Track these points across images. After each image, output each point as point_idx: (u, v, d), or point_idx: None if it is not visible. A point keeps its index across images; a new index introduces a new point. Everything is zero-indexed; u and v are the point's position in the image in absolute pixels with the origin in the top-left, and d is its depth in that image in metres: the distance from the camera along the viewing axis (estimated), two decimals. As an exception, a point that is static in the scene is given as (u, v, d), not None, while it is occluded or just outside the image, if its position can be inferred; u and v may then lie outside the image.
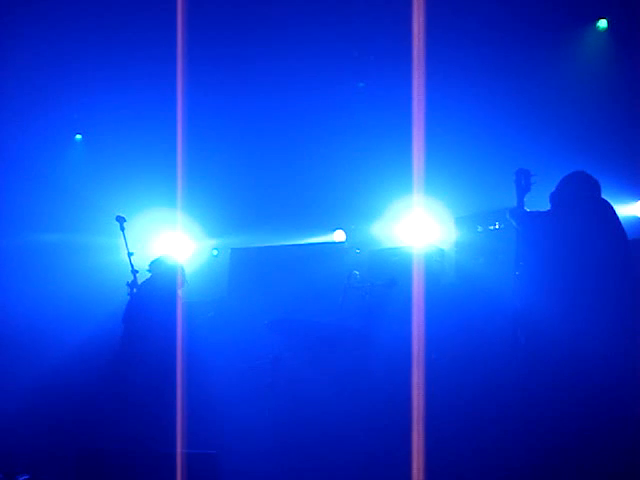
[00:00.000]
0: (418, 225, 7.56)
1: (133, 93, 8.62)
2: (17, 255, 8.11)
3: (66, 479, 4.80)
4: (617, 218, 4.75)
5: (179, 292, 6.20)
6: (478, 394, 5.14)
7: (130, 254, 6.27)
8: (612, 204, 4.81)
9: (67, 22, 7.73)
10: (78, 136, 9.35)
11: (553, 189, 4.95)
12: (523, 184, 4.87)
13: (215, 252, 8.70)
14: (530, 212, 4.91)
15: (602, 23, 7.65)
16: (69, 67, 8.19)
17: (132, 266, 6.26)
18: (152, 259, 6.36)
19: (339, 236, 8.34)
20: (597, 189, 4.88)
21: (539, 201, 5.03)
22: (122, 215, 6.42)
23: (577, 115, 7.39)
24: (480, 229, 6.86)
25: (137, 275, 6.22)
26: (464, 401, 5.15)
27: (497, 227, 6.74)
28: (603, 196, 4.86)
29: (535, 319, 4.59)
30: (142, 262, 6.40)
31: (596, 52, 7.63)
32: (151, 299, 6.03)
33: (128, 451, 4.61)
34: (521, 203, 4.89)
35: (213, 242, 8.79)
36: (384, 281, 5.93)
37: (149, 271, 6.24)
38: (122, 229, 6.33)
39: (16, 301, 7.67)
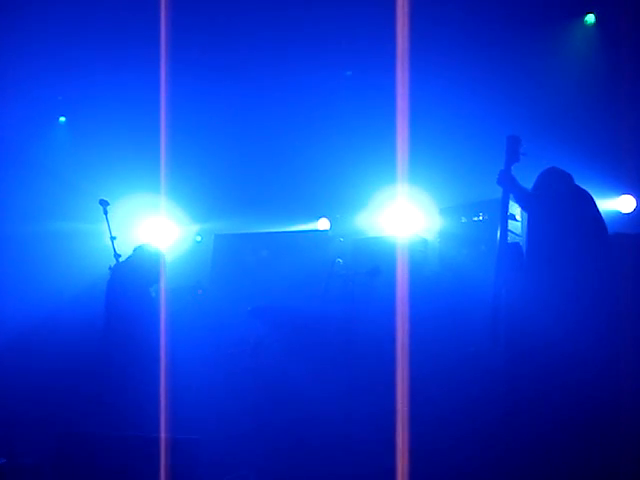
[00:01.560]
0: (402, 215, 7.58)
1: (118, 76, 8.52)
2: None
3: (44, 463, 4.79)
4: (595, 209, 4.80)
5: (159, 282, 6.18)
6: (461, 383, 5.18)
7: (113, 238, 6.25)
8: (591, 195, 4.86)
9: (50, 3, 7.62)
10: (62, 118, 9.24)
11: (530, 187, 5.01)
12: (513, 152, 4.87)
13: (199, 238, 8.67)
14: (519, 185, 4.89)
15: (590, 18, 7.68)
16: (53, 48, 8.07)
17: (115, 250, 6.24)
18: (135, 245, 6.31)
19: (323, 224, 8.34)
20: (571, 181, 4.94)
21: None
22: (105, 199, 6.39)
23: (563, 109, 7.43)
24: (464, 220, 6.89)
25: (120, 259, 6.20)
26: (448, 389, 5.19)
27: (481, 218, 6.78)
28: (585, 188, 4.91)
29: (515, 308, 4.63)
30: (125, 247, 6.36)
31: (584, 47, 7.66)
32: (129, 288, 5.98)
33: (109, 435, 4.61)
34: (508, 170, 4.89)
35: (197, 228, 8.76)
36: (368, 269, 5.95)
37: (131, 257, 6.20)
38: (105, 213, 6.30)
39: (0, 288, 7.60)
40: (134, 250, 6.22)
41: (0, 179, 8.33)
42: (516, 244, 4.86)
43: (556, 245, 4.66)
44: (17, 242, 7.98)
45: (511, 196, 4.92)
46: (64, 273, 7.53)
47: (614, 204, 7.25)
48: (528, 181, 5.07)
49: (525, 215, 5.14)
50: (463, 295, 5.92)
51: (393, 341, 4.88)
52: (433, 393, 5.13)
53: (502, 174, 4.90)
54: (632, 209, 7.32)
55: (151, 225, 8.36)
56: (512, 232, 5.07)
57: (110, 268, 6.17)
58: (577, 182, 5.02)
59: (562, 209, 4.74)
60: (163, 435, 4.48)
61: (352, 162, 8.01)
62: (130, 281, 5.98)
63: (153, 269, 6.10)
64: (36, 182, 8.42)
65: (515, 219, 5.15)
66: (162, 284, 6.05)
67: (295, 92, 8.35)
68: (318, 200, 8.39)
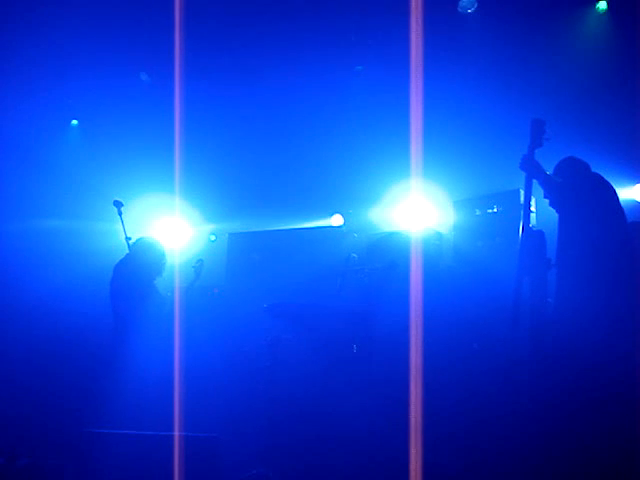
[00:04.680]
0: (416, 209, 7.56)
1: (129, 77, 8.57)
2: (14, 241, 8.07)
3: (67, 463, 4.82)
4: (617, 198, 4.75)
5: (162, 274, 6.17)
6: (477, 377, 5.15)
7: (128, 239, 6.26)
8: (612, 185, 4.81)
9: (62, 5, 7.66)
10: (74, 121, 9.28)
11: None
12: (537, 136, 4.71)
13: (213, 237, 8.68)
14: (543, 170, 4.77)
15: (602, 5, 7.61)
16: (64, 51, 8.11)
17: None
18: (135, 239, 6.28)
19: (337, 220, 8.34)
20: (590, 170, 4.89)
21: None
22: (119, 200, 6.41)
23: (576, 98, 7.37)
24: (478, 212, 6.86)
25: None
26: (463, 383, 5.16)
27: (495, 210, 6.75)
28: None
29: (538, 296, 4.58)
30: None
31: (596, 34, 7.59)
32: (132, 283, 5.97)
33: (127, 435, 4.63)
34: (532, 154, 4.72)
35: (211, 227, 8.78)
36: (383, 264, 5.93)
37: (130, 253, 6.17)
38: (120, 214, 6.32)
39: (15, 287, 7.64)
40: (132, 245, 6.20)
41: (16, 182, 8.38)
42: (539, 231, 4.76)
43: (582, 233, 4.60)
44: (30, 241, 8.01)
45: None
46: (78, 271, 7.56)
47: (630, 193, 7.19)
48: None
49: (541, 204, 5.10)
50: (479, 288, 5.88)
51: (409, 335, 4.86)
52: (450, 387, 5.10)
53: (525, 158, 4.73)
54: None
55: (165, 225, 8.38)
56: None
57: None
58: (592, 171, 4.98)
59: (588, 196, 4.67)
60: (181, 434, 4.49)
61: (364, 157, 8.01)
62: (132, 276, 5.98)
63: (154, 261, 6.09)
64: (50, 184, 8.46)
65: (530, 210, 5.09)
66: (176, 283, 6.07)
67: (306, 89, 8.34)
68: (331, 196, 8.38)
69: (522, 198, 5.15)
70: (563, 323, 4.46)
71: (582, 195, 4.73)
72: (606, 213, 4.66)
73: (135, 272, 6.00)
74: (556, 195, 4.82)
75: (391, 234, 7.10)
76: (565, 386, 4.37)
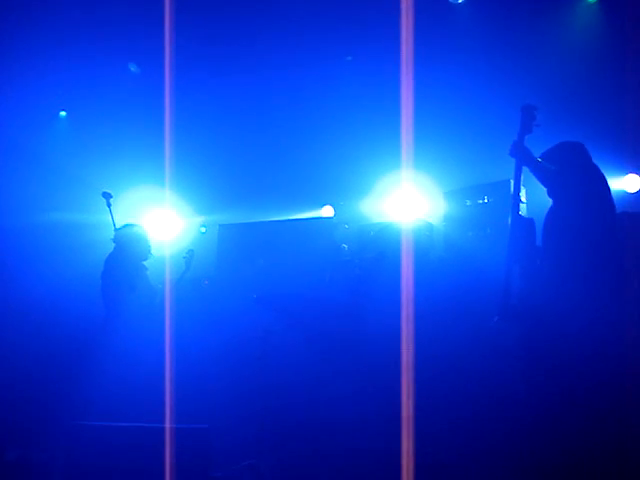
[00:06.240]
0: (407, 200, 7.55)
1: (118, 68, 8.51)
2: (2, 235, 8.01)
3: (57, 455, 4.81)
4: (607, 188, 4.74)
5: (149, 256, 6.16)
6: (468, 367, 5.16)
7: (117, 230, 6.24)
8: (604, 176, 4.79)
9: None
10: (62, 113, 9.20)
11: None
12: (527, 123, 4.64)
13: (203, 229, 8.66)
14: (533, 157, 4.74)
15: (592, -5, 7.63)
16: (52, 42, 8.04)
17: (119, 242, 6.22)
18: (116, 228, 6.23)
19: (327, 212, 8.33)
20: (582, 160, 4.87)
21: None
22: (108, 191, 6.37)
23: (565, 88, 7.37)
24: (469, 203, 6.87)
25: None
26: (455, 374, 5.18)
27: (486, 201, 6.76)
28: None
29: (528, 284, 4.58)
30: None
31: (586, 23, 7.59)
32: (121, 272, 5.96)
33: (120, 427, 4.62)
34: (521, 141, 4.66)
35: (201, 219, 8.75)
36: (373, 255, 5.93)
37: (114, 241, 6.15)
38: (108, 205, 6.29)
39: (3, 281, 7.60)
40: (115, 237, 6.16)
41: (3, 176, 8.31)
42: (530, 219, 4.74)
43: (571, 222, 4.59)
44: (19, 235, 7.96)
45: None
46: (67, 265, 7.52)
47: (620, 183, 7.21)
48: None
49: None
50: (470, 278, 5.89)
51: (400, 326, 4.86)
52: (441, 377, 5.12)
53: (515, 145, 4.68)
54: (638, 188, 7.28)
55: (155, 217, 8.34)
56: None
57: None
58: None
59: (580, 188, 4.65)
60: (171, 425, 4.49)
61: (355, 148, 7.99)
62: (121, 269, 5.97)
63: (139, 248, 6.08)
64: (38, 177, 8.40)
65: (521, 201, 5.07)
66: (167, 274, 6.06)
67: (296, 79, 8.32)
68: (322, 187, 8.37)
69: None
70: (552, 312, 4.45)
71: (574, 186, 4.71)
72: (597, 205, 4.64)
73: (123, 263, 5.99)
74: (547, 183, 4.80)
75: (380, 225, 7.10)
76: (555, 375, 4.38)
